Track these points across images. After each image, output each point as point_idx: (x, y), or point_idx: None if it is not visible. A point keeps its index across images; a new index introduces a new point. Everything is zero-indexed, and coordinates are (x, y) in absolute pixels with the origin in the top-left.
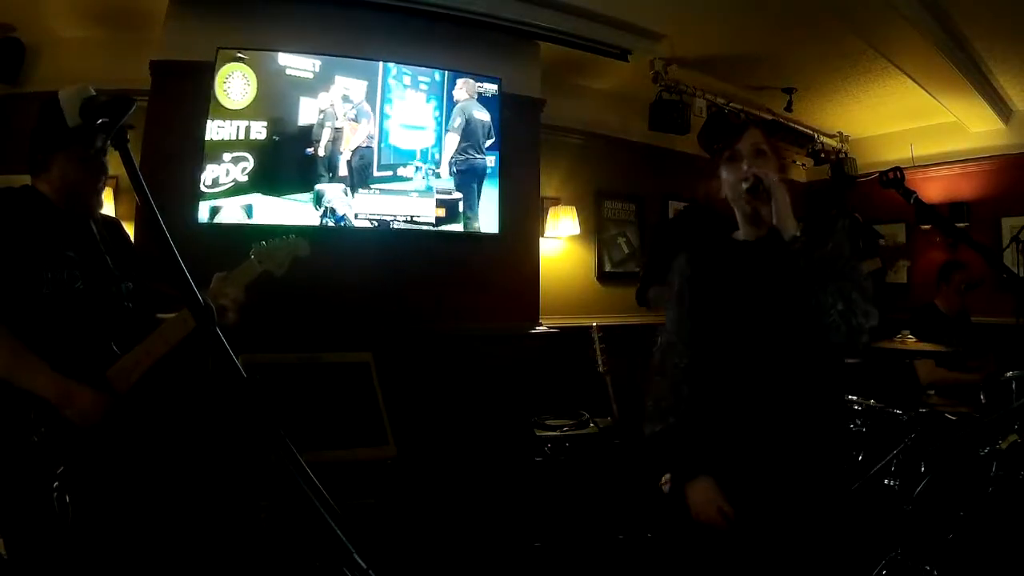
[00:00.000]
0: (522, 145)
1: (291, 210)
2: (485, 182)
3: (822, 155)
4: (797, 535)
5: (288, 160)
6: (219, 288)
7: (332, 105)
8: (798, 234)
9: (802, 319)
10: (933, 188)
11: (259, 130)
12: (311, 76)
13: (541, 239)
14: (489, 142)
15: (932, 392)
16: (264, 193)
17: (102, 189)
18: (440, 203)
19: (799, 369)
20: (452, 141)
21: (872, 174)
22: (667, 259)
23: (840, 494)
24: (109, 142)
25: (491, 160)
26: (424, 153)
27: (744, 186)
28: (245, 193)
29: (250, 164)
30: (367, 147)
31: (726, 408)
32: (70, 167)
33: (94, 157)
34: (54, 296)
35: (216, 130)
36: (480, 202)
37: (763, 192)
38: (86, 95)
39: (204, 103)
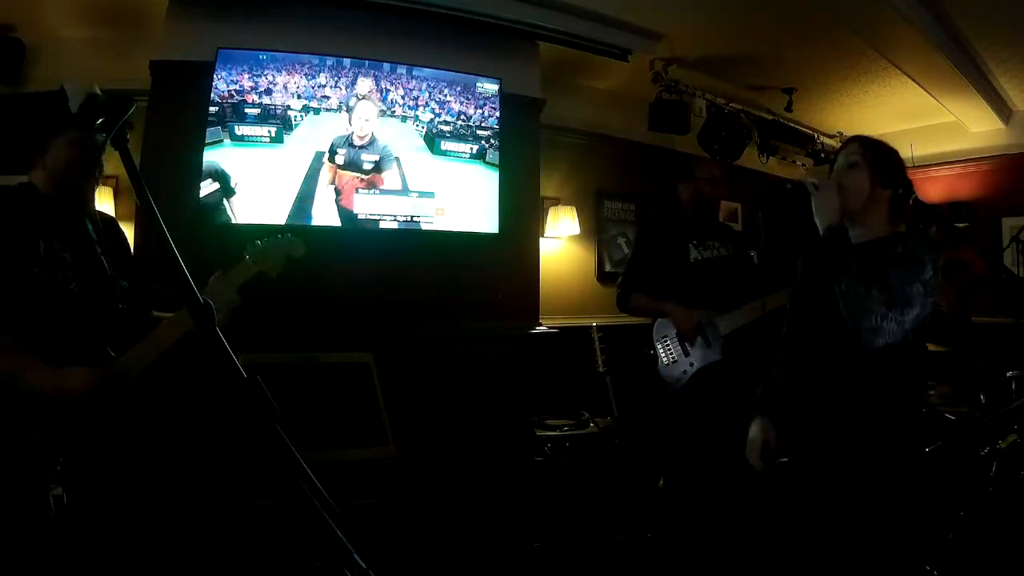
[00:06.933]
0: (522, 145)
1: None
2: (485, 182)
3: (822, 155)
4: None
5: None
6: (214, 288)
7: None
8: (831, 224)
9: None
10: (933, 188)
11: None
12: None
13: (541, 239)
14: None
15: (932, 392)
16: None
17: (96, 182)
18: (440, 203)
19: (871, 362)
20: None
21: None
22: (651, 262)
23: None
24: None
25: (490, 160)
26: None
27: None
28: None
29: None
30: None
31: (806, 377)
32: (65, 150)
33: (91, 144)
34: (48, 299)
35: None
36: (480, 202)
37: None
38: (91, 91)
39: (204, 103)
